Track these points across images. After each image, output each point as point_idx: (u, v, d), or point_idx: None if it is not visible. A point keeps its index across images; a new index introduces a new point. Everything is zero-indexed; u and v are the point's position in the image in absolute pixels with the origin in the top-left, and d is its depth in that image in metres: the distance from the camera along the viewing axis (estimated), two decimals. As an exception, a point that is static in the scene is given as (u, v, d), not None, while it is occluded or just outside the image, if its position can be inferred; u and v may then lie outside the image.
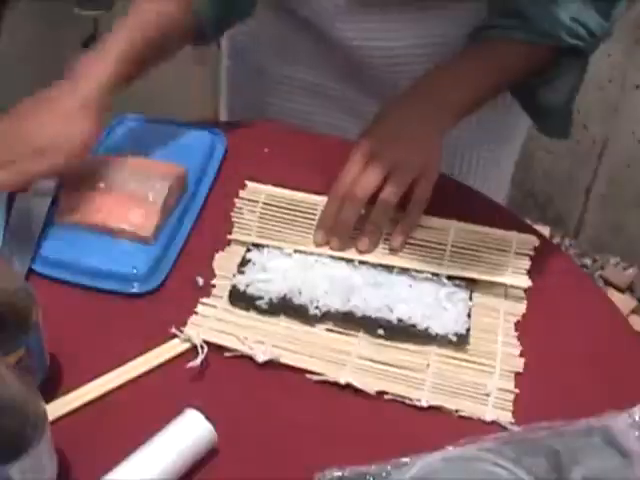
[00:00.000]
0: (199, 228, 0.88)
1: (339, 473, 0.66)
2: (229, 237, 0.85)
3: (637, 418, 0.69)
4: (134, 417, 0.70)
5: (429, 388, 0.73)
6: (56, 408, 0.69)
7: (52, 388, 0.71)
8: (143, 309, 0.79)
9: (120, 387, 0.72)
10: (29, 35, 1.86)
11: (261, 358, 0.74)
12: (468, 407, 0.72)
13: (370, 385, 0.73)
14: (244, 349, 0.75)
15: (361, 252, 0.82)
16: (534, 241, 0.85)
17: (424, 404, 0.72)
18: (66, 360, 0.73)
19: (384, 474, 0.66)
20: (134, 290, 0.80)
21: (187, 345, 0.75)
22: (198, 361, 0.72)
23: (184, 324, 0.77)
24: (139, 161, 0.89)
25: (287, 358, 0.75)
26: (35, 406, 0.59)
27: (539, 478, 0.66)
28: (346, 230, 0.83)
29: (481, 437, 0.69)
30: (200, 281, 0.81)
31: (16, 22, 1.82)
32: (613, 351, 0.78)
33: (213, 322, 0.77)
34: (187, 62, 2.14)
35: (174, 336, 0.76)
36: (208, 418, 0.67)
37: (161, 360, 0.74)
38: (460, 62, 0.90)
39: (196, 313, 0.78)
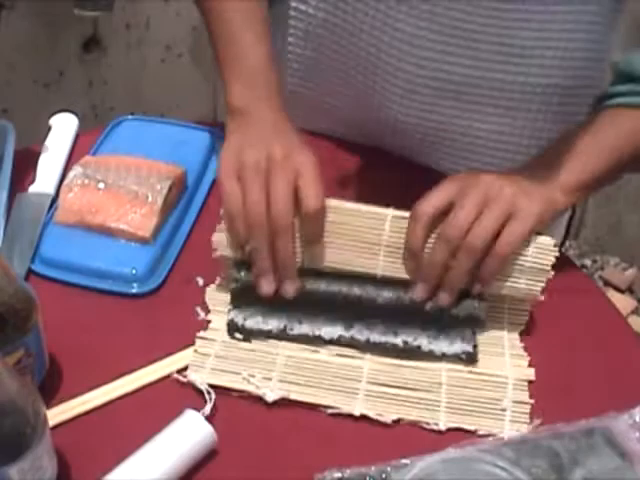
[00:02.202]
0: (199, 228, 0.88)
1: (339, 474, 0.66)
2: (217, 253, 0.77)
3: (637, 419, 0.69)
4: (134, 418, 0.70)
5: (444, 409, 0.72)
6: (57, 414, 0.69)
7: (52, 388, 0.71)
8: (143, 309, 0.79)
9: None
10: (29, 35, 1.86)
11: (271, 398, 0.71)
12: (486, 425, 0.71)
13: (386, 414, 0.71)
14: (251, 389, 0.72)
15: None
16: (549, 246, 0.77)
17: (442, 427, 0.71)
18: (66, 360, 0.73)
19: (384, 475, 0.66)
20: (134, 290, 0.80)
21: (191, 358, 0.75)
22: (208, 410, 0.69)
23: (183, 329, 0.77)
24: (139, 161, 0.89)
25: (296, 394, 0.72)
26: (35, 407, 0.59)
27: (539, 479, 0.66)
28: (456, 286, 0.75)
29: (481, 438, 0.69)
30: (200, 281, 0.81)
31: (16, 22, 1.82)
32: (613, 352, 0.78)
33: (214, 361, 0.74)
34: (187, 62, 2.15)
35: (178, 343, 0.76)
36: (208, 419, 0.67)
37: (166, 371, 0.74)
38: (580, 138, 0.81)
39: (196, 351, 0.75)
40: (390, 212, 0.76)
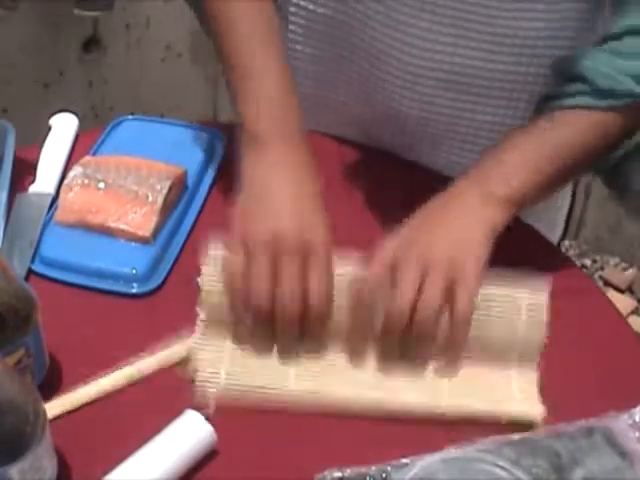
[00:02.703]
0: (199, 228, 0.88)
1: (339, 473, 0.66)
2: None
3: (637, 419, 0.69)
4: (134, 418, 0.70)
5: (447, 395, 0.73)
6: (55, 407, 0.69)
7: (52, 388, 0.71)
8: (143, 309, 0.79)
9: (120, 388, 0.72)
10: (29, 35, 1.86)
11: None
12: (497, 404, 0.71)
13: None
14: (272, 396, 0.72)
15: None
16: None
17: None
18: (66, 360, 0.73)
19: (384, 475, 0.66)
20: (133, 290, 0.80)
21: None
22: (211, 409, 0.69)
23: (184, 324, 0.77)
24: (139, 161, 0.89)
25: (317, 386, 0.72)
26: (35, 406, 0.59)
27: (539, 479, 0.66)
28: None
29: (481, 438, 0.69)
30: (200, 281, 0.81)
31: (16, 22, 1.82)
32: (613, 352, 0.78)
33: (226, 377, 0.73)
34: (187, 62, 2.15)
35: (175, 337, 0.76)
36: (208, 419, 0.67)
37: (162, 365, 0.74)
38: (519, 143, 0.78)
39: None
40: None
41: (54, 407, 0.69)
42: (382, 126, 0.96)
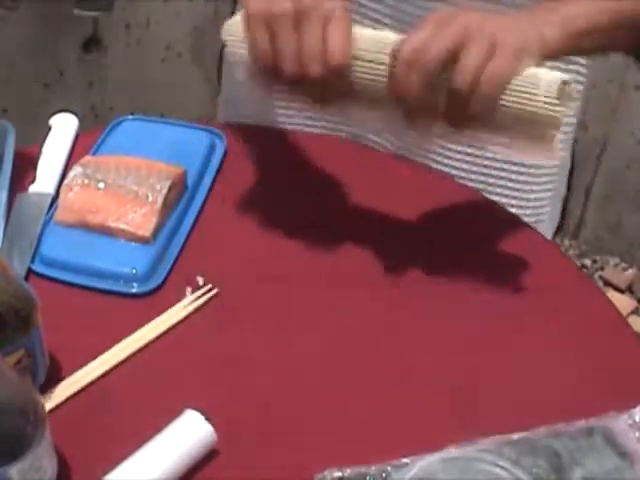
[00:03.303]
0: (199, 228, 0.88)
1: (339, 473, 0.66)
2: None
3: (637, 419, 0.69)
4: (134, 417, 0.70)
5: None
6: (56, 395, 0.70)
7: (52, 388, 0.71)
8: (143, 309, 0.79)
9: (121, 385, 0.72)
10: (29, 35, 1.86)
11: None
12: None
13: None
14: None
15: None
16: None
17: None
18: (66, 360, 0.73)
19: (384, 475, 0.66)
20: (134, 290, 0.80)
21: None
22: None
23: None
24: (139, 161, 0.89)
25: None
26: (35, 406, 0.59)
27: (539, 479, 0.66)
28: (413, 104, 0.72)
29: (481, 438, 0.69)
30: (200, 281, 0.81)
31: (16, 22, 1.82)
32: (613, 351, 0.78)
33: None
34: (187, 62, 2.15)
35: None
36: (208, 419, 0.67)
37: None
38: None
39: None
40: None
41: (55, 395, 0.69)
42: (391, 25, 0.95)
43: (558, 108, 0.72)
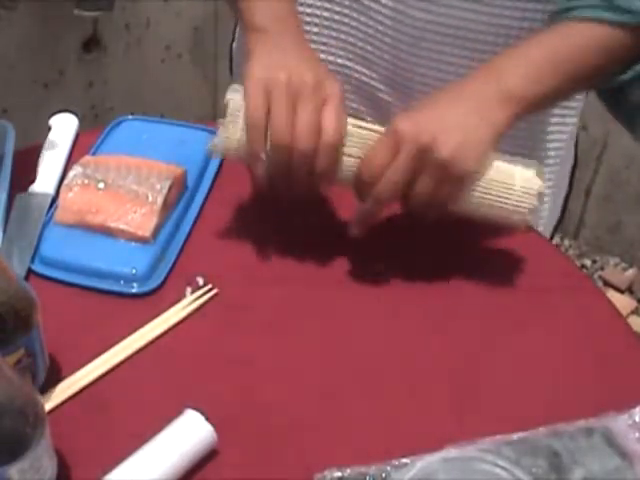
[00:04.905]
0: (199, 228, 0.88)
1: (339, 473, 0.66)
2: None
3: (637, 419, 0.69)
4: (134, 417, 0.70)
5: None
6: (56, 395, 0.70)
7: (52, 388, 0.71)
8: (143, 309, 0.79)
9: (121, 385, 0.73)
10: (29, 35, 1.86)
11: None
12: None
13: None
14: None
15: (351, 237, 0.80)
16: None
17: None
18: (66, 360, 0.73)
19: (384, 475, 0.66)
20: (134, 290, 0.80)
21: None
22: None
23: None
24: (139, 161, 0.89)
25: None
26: (35, 406, 0.59)
27: (539, 479, 0.66)
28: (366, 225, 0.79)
29: (481, 438, 0.69)
30: (200, 281, 0.81)
31: (16, 22, 1.82)
32: (613, 352, 0.78)
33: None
34: (187, 62, 2.15)
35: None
36: (208, 419, 0.67)
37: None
38: (529, 47, 0.79)
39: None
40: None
41: (55, 396, 0.70)
42: (385, 91, 0.96)
43: (529, 217, 0.78)
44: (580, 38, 0.79)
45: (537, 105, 0.79)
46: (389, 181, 0.75)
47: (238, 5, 0.84)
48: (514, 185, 0.77)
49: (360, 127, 0.79)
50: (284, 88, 0.75)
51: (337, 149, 0.76)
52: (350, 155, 0.78)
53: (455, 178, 0.75)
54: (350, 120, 0.79)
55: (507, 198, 0.77)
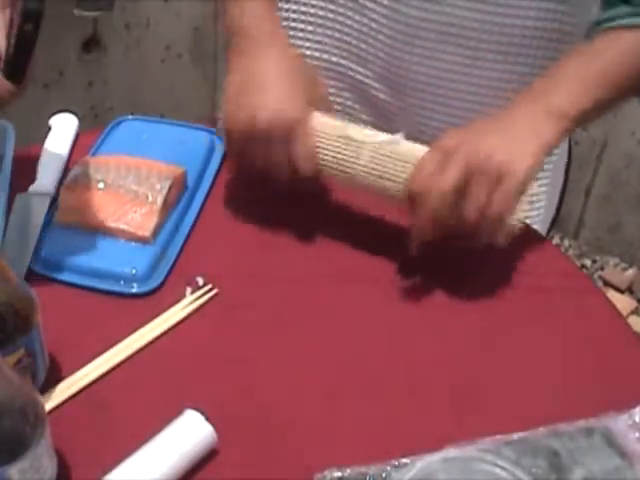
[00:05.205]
0: (199, 228, 0.88)
1: (339, 473, 0.66)
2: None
3: (637, 419, 0.69)
4: (134, 417, 0.70)
5: None
6: (56, 395, 0.70)
7: (52, 388, 0.71)
8: (143, 309, 0.79)
9: (121, 385, 0.73)
10: (29, 35, 1.86)
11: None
12: None
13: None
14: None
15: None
16: None
17: None
18: (66, 360, 0.73)
19: (384, 474, 0.66)
20: (133, 290, 0.80)
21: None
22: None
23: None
24: (139, 161, 0.89)
25: None
26: (35, 406, 0.59)
27: (539, 479, 0.66)
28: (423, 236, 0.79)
29: (481, 438, 0.69)
30: (200, 281, 0.81)
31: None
32: (613, 352, 0.78)
33: None
34: (187, 62, 2.15)
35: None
36: (208, 419, 0.67)
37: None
38: (570, 61, 0.82)
39: None
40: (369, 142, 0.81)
41: (55, 396, 0.70)
42: (379, 88, 0.96)
43: (519, 222, 0.79)
44: (621, 46, 0.82)
45: (586, 117, 0.80)
46: (439, 190, 0.75)
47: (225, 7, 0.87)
48: None
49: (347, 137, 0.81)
50: (250, 135, 0.81)
51: (313, 174, 0.82)
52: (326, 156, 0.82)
53: (505, 189, 0.75)
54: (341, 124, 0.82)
55: None
